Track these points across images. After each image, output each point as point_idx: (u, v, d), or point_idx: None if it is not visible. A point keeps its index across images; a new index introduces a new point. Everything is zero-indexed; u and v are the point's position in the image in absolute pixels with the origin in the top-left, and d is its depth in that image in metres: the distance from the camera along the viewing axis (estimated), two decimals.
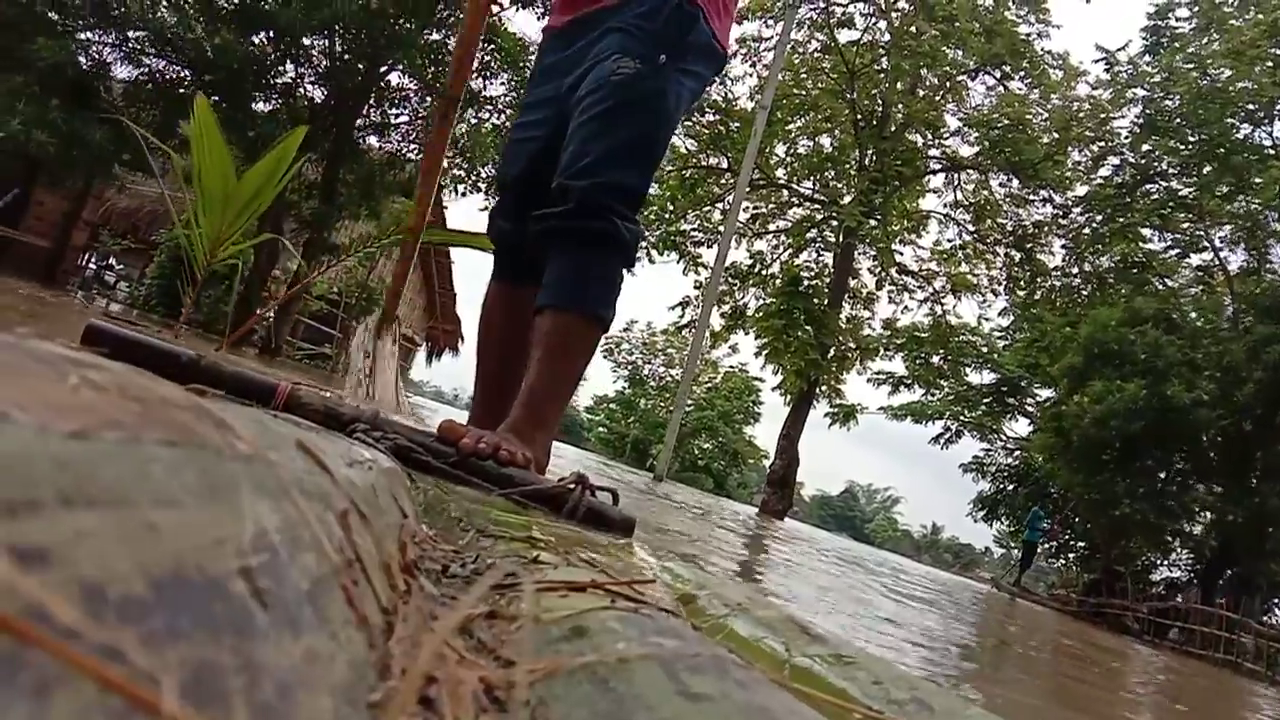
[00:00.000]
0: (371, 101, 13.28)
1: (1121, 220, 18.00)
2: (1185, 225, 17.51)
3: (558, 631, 0.42)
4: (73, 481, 0.20)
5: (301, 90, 12.60)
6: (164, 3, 11.21)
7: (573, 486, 1.23)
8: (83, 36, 10.92)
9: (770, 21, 21.39)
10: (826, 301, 21.98)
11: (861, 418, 24.33)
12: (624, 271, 1.87)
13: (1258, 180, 15.53)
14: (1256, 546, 15.08)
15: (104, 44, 11.18)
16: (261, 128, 10.24)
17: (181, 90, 11.08)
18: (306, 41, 12.04)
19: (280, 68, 12.11)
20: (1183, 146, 17.15)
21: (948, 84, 21.91)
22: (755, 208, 23.88)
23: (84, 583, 0.18)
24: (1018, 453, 23.92)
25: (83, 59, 10.85)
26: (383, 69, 12.72)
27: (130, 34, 11.04)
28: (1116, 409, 14.29)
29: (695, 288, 24.41)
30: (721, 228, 21.73)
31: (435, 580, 0.58)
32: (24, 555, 0.17)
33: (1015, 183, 21.55)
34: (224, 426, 0.31)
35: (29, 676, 0.16)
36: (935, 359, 23.50)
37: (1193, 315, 15.64)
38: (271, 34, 11.50)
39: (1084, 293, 19.66)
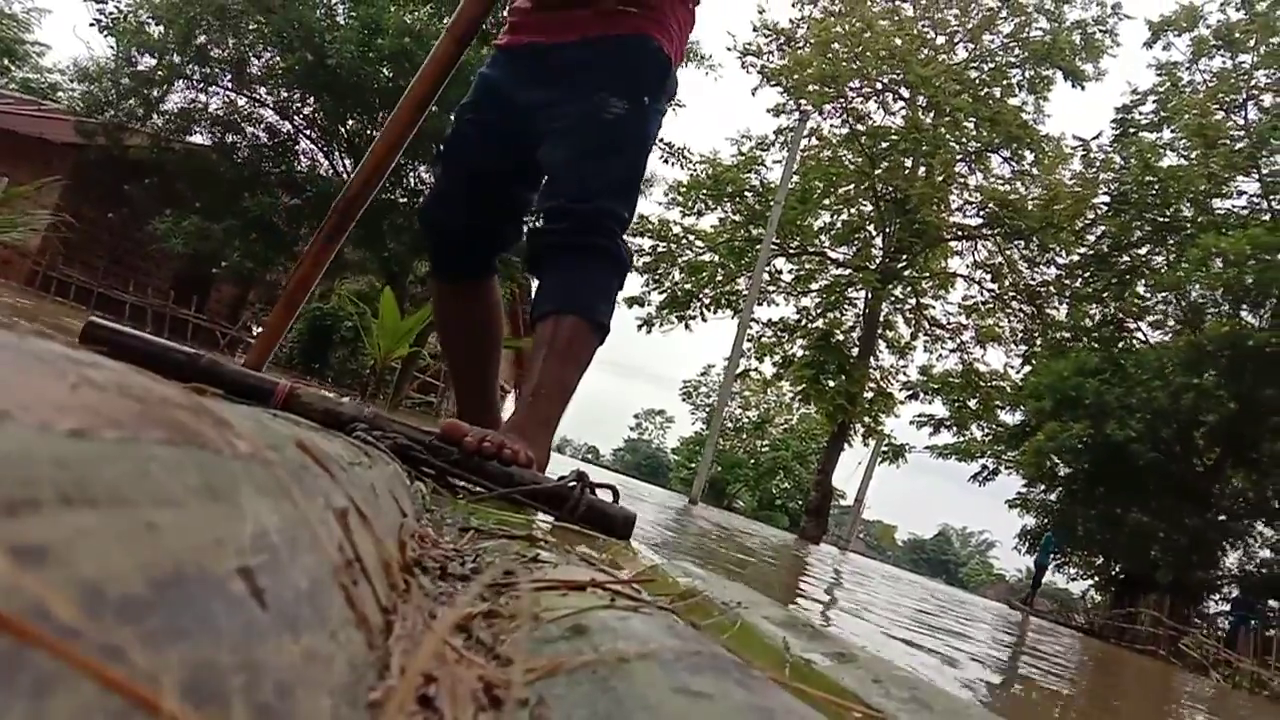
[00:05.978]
0: None
1: (1108, 281, 21.13)
2: (1152, 290, 20.59)
3: (557, 630, 0.42)
4: (72, 480, 0.20)
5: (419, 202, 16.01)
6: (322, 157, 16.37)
7: (573, 485, 1.23)
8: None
9: (797, 119, 24.51)
10: (857, 353, 24.76)
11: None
12: (618, 290, 1.98)
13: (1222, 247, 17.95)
14: (1187, 562, 17.76)
15: (279, 183, 16.00)
16: (392, 249, 14.57)
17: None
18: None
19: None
20: (1140, 223, 20.18)
21: (952, 168, 25.02)
22: (798, 271, 27.26)
23: (84, 582, 0.18)
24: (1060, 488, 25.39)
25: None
26: None
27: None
28: (1066, 445, 17.43)
29: (748, 341, 27.65)
30: (768, 288, 26.03)
31: (435, 579, 0.58)
32: (24, 554, 0.17)
33: (1023, 246, 24.44)
34: (224, 425, 0.31)
35: (29, 675, 0.16)
36: (972, 402, 25.62)
37: (1129, 366, 18.54)
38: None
39: (1080, 344, 22.15)
